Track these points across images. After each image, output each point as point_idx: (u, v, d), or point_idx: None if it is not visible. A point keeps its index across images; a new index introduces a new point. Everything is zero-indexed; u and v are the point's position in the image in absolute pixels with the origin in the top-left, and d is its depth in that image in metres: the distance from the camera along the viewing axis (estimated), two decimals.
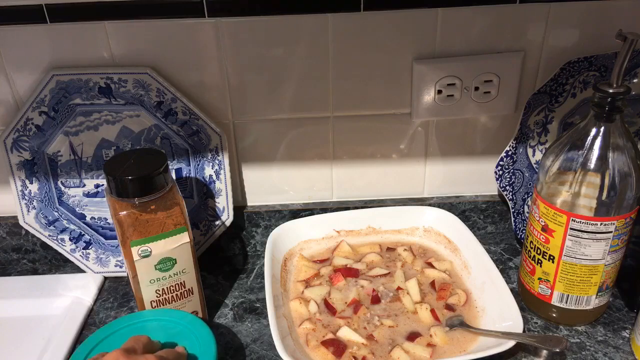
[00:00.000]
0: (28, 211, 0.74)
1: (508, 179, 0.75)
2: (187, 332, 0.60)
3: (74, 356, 0.58)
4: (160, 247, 0.60)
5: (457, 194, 0.82)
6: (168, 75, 0.71)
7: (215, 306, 0.72)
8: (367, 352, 0.61)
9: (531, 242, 0.65)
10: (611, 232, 0.59)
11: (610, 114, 0.56)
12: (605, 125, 0.57)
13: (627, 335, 0.64)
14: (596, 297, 0.63)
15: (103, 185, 0.75)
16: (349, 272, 0.71)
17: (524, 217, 0.76)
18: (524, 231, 0.77)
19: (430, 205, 0.80)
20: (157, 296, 0.63)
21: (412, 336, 0.62)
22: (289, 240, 0.75)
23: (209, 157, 0.74)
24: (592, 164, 0.58)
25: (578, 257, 0.61)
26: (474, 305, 0.67)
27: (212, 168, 0.74)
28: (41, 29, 0.68)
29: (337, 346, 0.61)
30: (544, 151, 0.74)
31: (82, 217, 0.76)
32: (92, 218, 0.76)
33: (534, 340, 0.59)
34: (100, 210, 0.76)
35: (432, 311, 0.65)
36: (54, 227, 0.75)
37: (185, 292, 0.64)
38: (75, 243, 0.76)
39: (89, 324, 0.70)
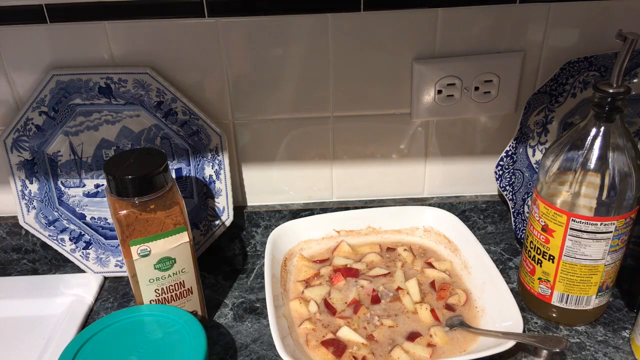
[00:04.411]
0: (28, 211, 0.74)
1: (508, 179, 0.75)
2: (182, 331, 0.60)
3: (68, 347, 0.58)
4: (160, 247, 0.60)
5: (457, 194, 0.82)
6: (168, 75, 0.71)
7: (215, 306, 0.72)
8: (367, 352, 0.61)
9: (531, 242, 0.65)
10: (611, 232, 0.59)
11: (610, 114, 0.56)
12: (605, 125, 0.57)
13: (627, 335, 0.64)
14: (596, 297, 0.63)
15: (103, 185, 0.75)
16: (349, 272, 0.71)
17: (524, 217, 0.76)
18: (524, 231, 0.77)
19: (430, 205, 0.80)
20: (156, 295, 0.63)
21: (412, 336, 0.62)
22: (289, 240, 0.75)
23: (209, 157, 0.74)
24: (592, 164, 0.57)
25: (578, 257, 0.61)
26: (474, 305, 0.67)
27: (212, 168, 0.74)
28: (41, 29, 0.68)
29: (337, 346, 0.61)
30: (544, 151, 0.74)
31: (82, 217, 0.76)
32: (92, 218, 0.76)
33: (534, 340, 0.59)
34: (100, 210, 0.76)
35: (432, 311, 0.65)
36: (54, 227, 0.75)
37: (184, 291, 0.64)
38: (75, 243, 0.76)
39: (89, 324, 0.70)
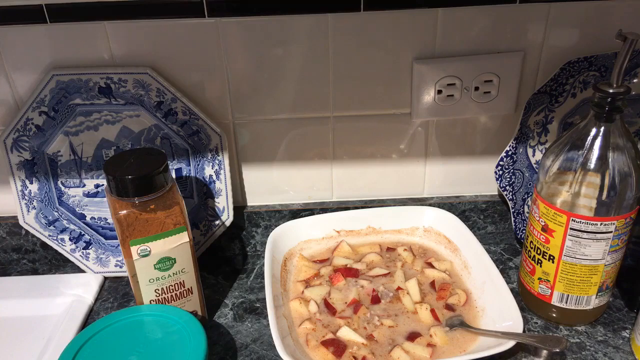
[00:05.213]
0: (28, 211, 0.74)
1: (508, 179, 0.75)
2: (182, 331, 0.60)
3: (68, 347, 0.58)
4: (160, 247, 0.60)
5: (457, 194, 0.82)
6: (168, 75, 0.71)
7: (215, 306, 0.72)
8: (367, 352, 0.61)
9: (531, 242, 0.65)
10: (611, 232, 0.59)
11: (610, 114, 0.56)
12: (605, 125, 0.57)
13: (627, 335, 0.64)
14: (596, 297, 0.63)
15: (103, 185, 0.75)
16: (349, 272, 0.71)
17: (524, 217, 0.76)
18: (524, 231, 0.77)
19: (430, 205, 0.80)
20: (156, 295, 0.63)
21: (412, 336, 0.62)
22: (289, 240, 0.75)
23: (209, 157, 0.74)
24: (592, 164, 0.57)
25: (578, 257, 0.61)
26: (474, 305, 0.67)
27: (212, 168, 0.74)
28: (41, 29, 0.68)
29: (337, 346, 0.61)
30: (544, 151, 0.74)
31: (82, 217, 0.76)
32: (92, 218, 0.76)
33: (534, 340, 0.59)
34: (100, 210, 0.76)
35: (432, 311, 0.65)
36: (54, 227, 0.75)
37: (184, 291, 0.64)
38: (75, 243, 0.76)
39: (89, 324, 0.70)
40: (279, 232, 0.74)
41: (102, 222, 0.76)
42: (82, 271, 0.77)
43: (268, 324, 0.64)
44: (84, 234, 0.76)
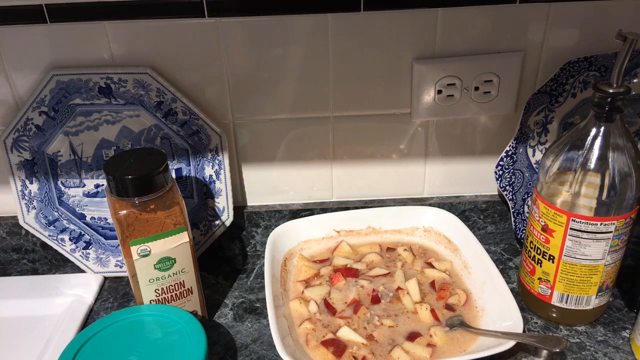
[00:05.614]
0: (28, 211, 0.74)
1: (508, 179, 0.75)
2: (182, 331, 0.60)
3: (68, 347, 0.58)
4: (160, 247, 0.60)
5: (457, 194, 0.82)
6: (168, 75, 0.71)
7: (215, 306, 0.72)
8: (367, 352, 0.61)
9: (531, 242, 0.65)
10: (611, 232, 0.59)
11: (610, 114, 0.56)
12: (605, 125, 0.57)
13: (627, 335, 0.64)
14: (596, 297, 0.63)
15: (103, 185, 0.75)
16: (349, 272, 0.71)
17: (524, 217, 0.76)
18: (524, 231, 0.77)
19: (430, 205, 0.80)
20: (156, 295, 0.63)
21: (412, 336, 0.62)
22: (289, 240, 0.75)
23: (209, 157, 0.74)
24: (592, 164, 0.57)
25: (578, 257, 0.61)
26: (474, 305, 0.67)
27: (212, 168, 0.74)
28: (41, 29, 0.68)
29: (337, 346, 0.61)
30: (544, 151, 0.74)
31: (82, 217, 0.76)
32: (92, 218, 0.76)
33: (534, 340, 0.59)
34: (100, 210, 0.76)
35: (432, 311, 0.65)
36: (54, 227, 0.75)
37: (184, 291, 0.64)
38: (75, 243, 0.76)
39: (89, 324, 0.70)
40: (279, 232, 0.74)
41: (102, 222, 0.76)
42: (82, 271, 0.77)
43: (268, 324, 0.64)
44: (84, 234, 0.76)
